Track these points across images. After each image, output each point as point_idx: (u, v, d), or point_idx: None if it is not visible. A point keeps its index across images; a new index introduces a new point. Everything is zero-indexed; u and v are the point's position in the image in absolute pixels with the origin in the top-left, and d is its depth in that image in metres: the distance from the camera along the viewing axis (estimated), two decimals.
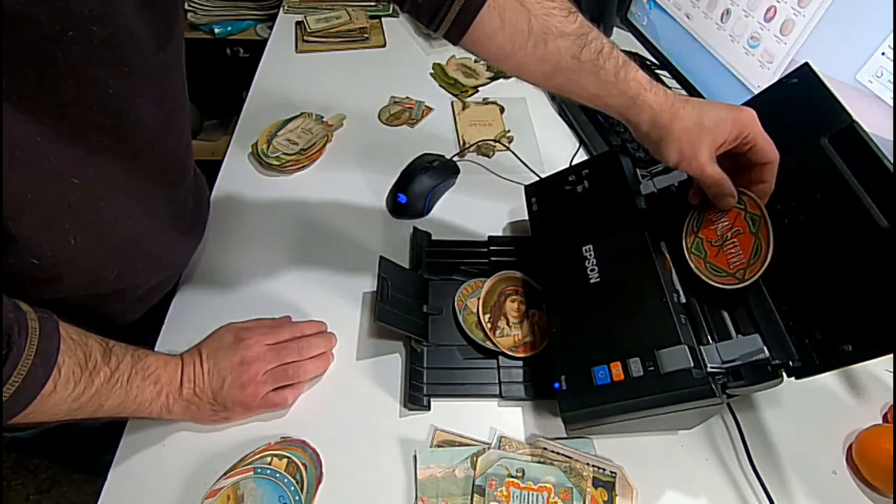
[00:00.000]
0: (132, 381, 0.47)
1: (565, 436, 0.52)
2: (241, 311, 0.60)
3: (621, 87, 0.49)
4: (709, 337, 0.49)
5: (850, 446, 0.55)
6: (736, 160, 0.50)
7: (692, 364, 0.46)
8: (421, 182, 0.74)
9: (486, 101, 0.91)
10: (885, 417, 0.58)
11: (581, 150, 0.84)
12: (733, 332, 0.49)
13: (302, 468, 0.49)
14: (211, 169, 0.81)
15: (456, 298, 0.62)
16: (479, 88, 0.95)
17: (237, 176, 0.78)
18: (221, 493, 0.47)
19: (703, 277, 0.50)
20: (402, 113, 0.89)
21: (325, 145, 0.81)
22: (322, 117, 0.86)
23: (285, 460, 0.49)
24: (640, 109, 0.49)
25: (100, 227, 0.46)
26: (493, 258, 0.68)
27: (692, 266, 0.51)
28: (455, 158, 0.80)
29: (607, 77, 0.49)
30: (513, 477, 0.50)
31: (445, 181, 0.76)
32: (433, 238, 0.70)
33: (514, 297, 0.63)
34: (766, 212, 0.48)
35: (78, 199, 0.42)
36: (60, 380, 0.41)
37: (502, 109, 0.90)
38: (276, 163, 0.77)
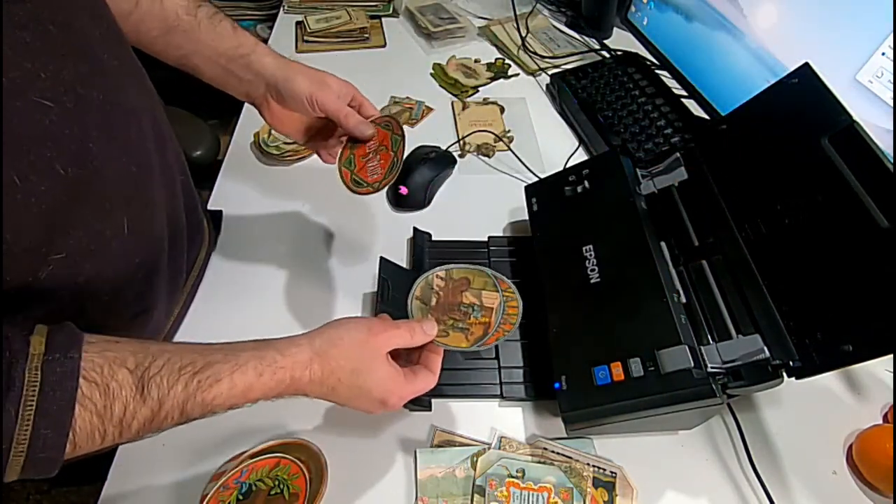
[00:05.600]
0: (191, 412, 0.38)
1: (565, 436, 0.52)
2: (240, 310, 0.60)
3: (241, 39, 0.55)
4: (709, 337, 0.49)
5: (850, 446, 0.55)
6: None
7: (692, 364, 0.46)
8: (421, 173, 0.74)
9: (486, 101, 0.91)
10: (885, 417, 0.58)
11: (581, 150, 0.84)
12: (733, 332, 0.49)
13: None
14: (210, 169, 0.82)
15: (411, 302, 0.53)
16: (479, 88, 0.95)
17: (239, 166, 0.79)
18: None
19: (346, 186, 0.55)
20: (403, 113, 0.89)
21: None
22: None
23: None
24: (263, 54, 0.55)
25: (86, 162, 0.40)
26: (493, 258, 0.68)
27: (339, 178, 0.56)
28: (451, 149, 0.81)
29: (225, 31, 0.55)
30: (513, 477, 0.50)
31: (444, 171, 0.77)
32: (433, 238, 0.70)
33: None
34: (405, 134, 0.56)
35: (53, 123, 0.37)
36: (79, 437, 0.34)
37: (502, 109, 0.90)
38: (275, 152, 0.78)
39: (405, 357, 0.49)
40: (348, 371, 0.43)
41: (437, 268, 0.53)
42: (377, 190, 0.54)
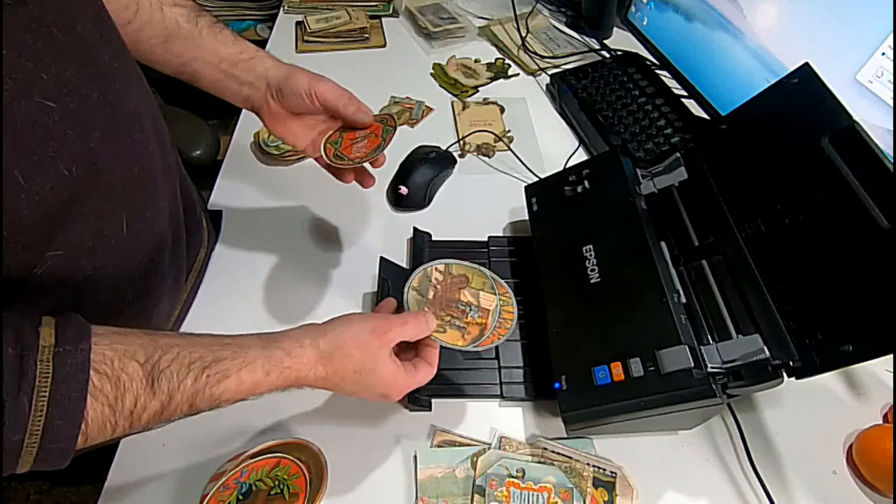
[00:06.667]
0: (199, 405, 0.39)
1: (565, 436, 0.52)
2: (240, 310, 0.60)
3: (243, 45, 0.57)
4: (709, 337, 0.49)
5: (850, 446, 0.55)
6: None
7: (692, 364, 0.46)
8: (421, 173, 0.74)
9: (486, 101, 0.91)
10: (885, 417, 0.58)
11: (581, 150, 0.84)
12: (733, 332, 0.49)
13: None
14: (210, 169, 0.82)
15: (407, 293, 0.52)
16: (479, 88, 0.95)
17: (239, 166, 0.79)
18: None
19: (325, 159, 0.56)
20: (403, 113, 0.89)
21: None
22: None
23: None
24: (265, 58, 0.57)
25: (89, 163, 0.40)
26: (493, 258, 0.68)
27: (322, 153, 0.56)
28: (451, 149, 0.81)
29: (227, 38, 0.56)
30: (513, 477, 0.50)
31: (444, 171, 0.77)
32: (433, 238, 0.70)
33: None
34: (397, 127, 0.57)
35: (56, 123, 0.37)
36: (91, 428, 0.35)
37: (502, 109, 0.90)
38: (275, 152, 0.78)
39: (402, 346, 0.49)
40: (351, 371, 0.44)
41: (437, 261, 0.52)
42: (355, 165, 0.55)
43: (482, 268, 0.53)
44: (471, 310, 0.50)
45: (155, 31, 0.54)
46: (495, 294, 0.52)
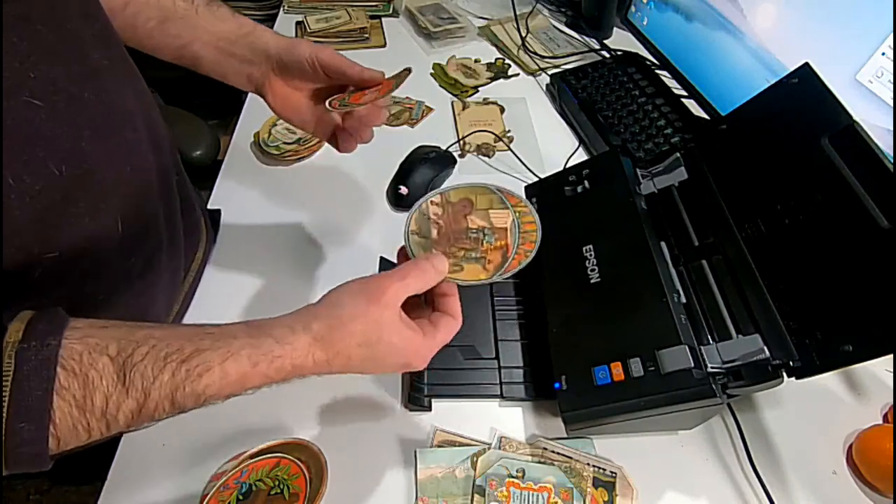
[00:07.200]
0: (183, 402, 0.35)
1: (565, 436, 0.52)
2: (239, 310, 0.60)
3: (241, 20, 0.55)
4: (709, 337, 0.49)
5: (850, 446, 0.55)
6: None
7: (692, 364, 0.46)
8: (421, 173, 0.75)
9: (486, 101, 0.91)
10: (885, 417, 0.58)
11: (581, 150, 0.84)
12: (733, 332, 0.49)
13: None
14: (210, 169, 0.82)
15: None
16: (479, 88, 0.95)
17: (239, 166, 0.79)
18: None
19: (331, 109, 0.51)
20: (403, 113, 0.89)
21: None
22: None
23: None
24: (264, 31, 0.55)
25: (80, 163, 0.40)
26: None
27: (326, 104, 0.51)
28: (451, 149, 0.81)
29: (224, 15, 0.55)
30: (513, 477, 0.50)
31: (444, 171, 0.77)
32: None
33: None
34: (411, 70, 0.54)
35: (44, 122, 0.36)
36: (60, 430, 0.32)
37: (502, 109, 0.90)
38: (275, 152, 0.78)
39: (413, 302, 0.43)
40: (356, 346, 0.39)
41: (430, 193, 0.46)
42: (367, 104, 0.50)
43: (485, 183, 0.45)
44: (485, 235, 0.43)
45: (152, 13, 0.54)
46: (508, 208, 0.44)
